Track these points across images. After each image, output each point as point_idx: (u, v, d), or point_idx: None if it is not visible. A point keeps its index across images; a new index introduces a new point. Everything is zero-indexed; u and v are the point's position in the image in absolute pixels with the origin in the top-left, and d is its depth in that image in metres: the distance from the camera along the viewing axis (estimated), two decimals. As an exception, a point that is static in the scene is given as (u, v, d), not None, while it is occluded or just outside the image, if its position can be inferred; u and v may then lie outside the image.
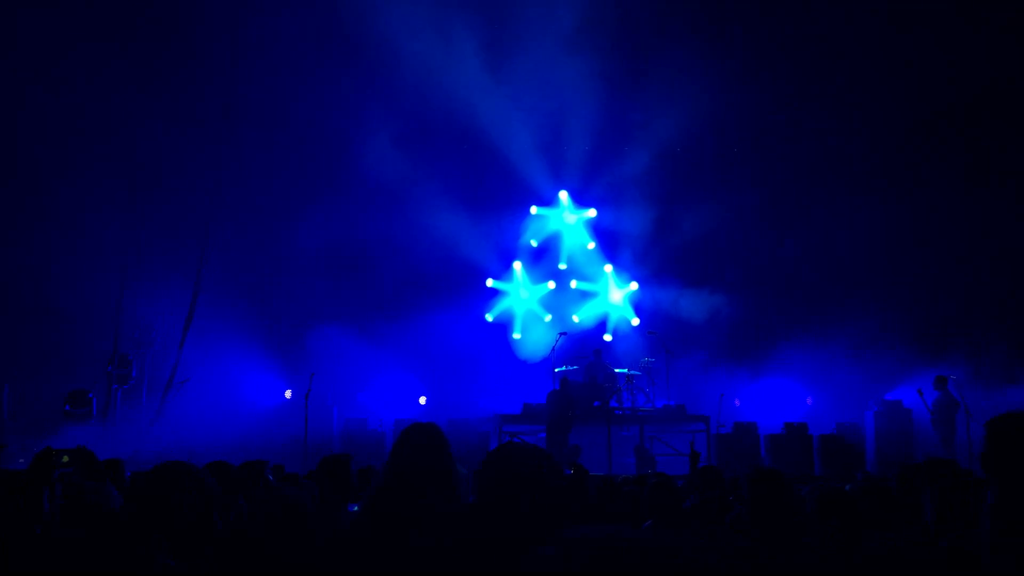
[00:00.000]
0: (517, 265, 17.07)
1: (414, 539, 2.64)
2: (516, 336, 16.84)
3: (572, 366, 15.28)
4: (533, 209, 17.28)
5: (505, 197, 17.17)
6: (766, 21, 15.84)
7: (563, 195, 17.26)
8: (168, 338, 14.89)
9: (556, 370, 14.97)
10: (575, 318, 17.00)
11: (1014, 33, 14.13)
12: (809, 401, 15.22)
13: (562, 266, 17.27)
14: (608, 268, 17.13)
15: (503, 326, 16.93)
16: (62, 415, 13.32)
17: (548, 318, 16.96)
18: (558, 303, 17.11)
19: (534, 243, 17.31)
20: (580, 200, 17.35)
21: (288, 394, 14.55)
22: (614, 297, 17.06)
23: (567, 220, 17.37)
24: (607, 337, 16.75)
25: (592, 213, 17.30)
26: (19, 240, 13.97)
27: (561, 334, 15.90)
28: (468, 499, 2.97)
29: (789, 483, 3.65)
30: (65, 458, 3.65)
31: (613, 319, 16.99)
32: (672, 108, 15.91)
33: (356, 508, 3.92)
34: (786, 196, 15.96)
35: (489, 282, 16.96)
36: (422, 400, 15.32)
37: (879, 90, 15.16)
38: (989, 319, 14.55)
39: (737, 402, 15.00)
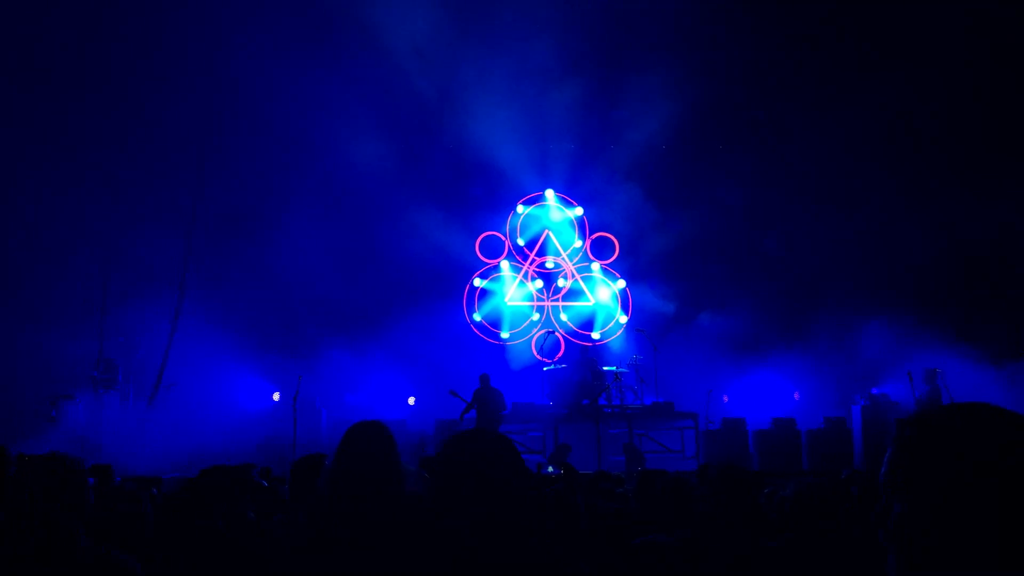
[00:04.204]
0: (504, 264, 17.05)
1: (358, 545, 2.58)
2: (504, 335, 16.81)
3: (560, 364, 15.27)
4: (520, 207, 17.26)
5: (491, 195, 17.15)
6: (751, 20, 15.85)
7: (550, 193, 17.24)
8: (154, 342, 14.76)
9: (544, 368, 14.95)
10: (563, 316, 17.00)
11: (1005, 36, 14.19)
12: (797, 396, 15.25)
13: (549, 264, 17.25)
14: (596, 266, 17.14)
15: (491, 325, 16.89)
16: (47, 420, 13.19)
17: (536, 316, 16.95)
18: (545, 301, 17.10)
19: (521, 241, 17.29)
20: (567, 198, 17.34)
21: (276, 397, 14.48)
22: (602, 295, 17.06)
23: (554, 218, 17.36)
24: (595, 335, 16.75)
25: (579, 211, 17.29)
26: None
27: (548, 332, 15.90)
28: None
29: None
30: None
31: (601, 317, 16.99)
32: (658, 105, 15.90)
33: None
34: (772, 192, 15.99)
35: (476, 281, 16.93)
36: (411, 401, 15.27)
37: (864, 88, 15.18)
38: (977, 312, 14.60)
39: (725, 398, 15.01)
